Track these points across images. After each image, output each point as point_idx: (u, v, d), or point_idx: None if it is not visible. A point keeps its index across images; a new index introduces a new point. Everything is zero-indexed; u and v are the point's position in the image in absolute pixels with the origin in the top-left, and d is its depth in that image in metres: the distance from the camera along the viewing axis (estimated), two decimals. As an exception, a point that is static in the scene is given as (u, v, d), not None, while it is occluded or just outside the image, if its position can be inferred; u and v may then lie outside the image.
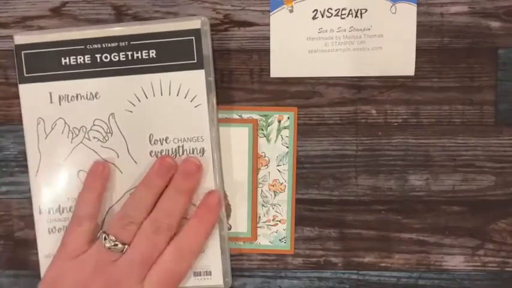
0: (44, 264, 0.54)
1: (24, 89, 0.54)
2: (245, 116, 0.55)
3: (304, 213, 0.56)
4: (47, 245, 0.54)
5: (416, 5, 0.54)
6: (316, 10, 0.54)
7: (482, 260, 0.56)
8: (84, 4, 0.55)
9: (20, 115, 0.54)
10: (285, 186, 0.56)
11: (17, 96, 0.54)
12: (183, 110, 0.53)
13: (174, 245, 0.51)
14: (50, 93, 0.53)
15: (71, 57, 0.53)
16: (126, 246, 0.50)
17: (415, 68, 0.54)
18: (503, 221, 0.55)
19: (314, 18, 0.54)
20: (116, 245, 0.49)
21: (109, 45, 0.53)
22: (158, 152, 0.53)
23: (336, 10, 0.54)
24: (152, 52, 0.53)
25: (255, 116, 0.55)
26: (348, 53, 0.54)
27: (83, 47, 0.53)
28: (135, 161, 0.53)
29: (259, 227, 0.56)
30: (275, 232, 0.56)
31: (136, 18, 0.55)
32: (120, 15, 0.55)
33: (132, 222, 0.50)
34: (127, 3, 0.55)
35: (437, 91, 0.55)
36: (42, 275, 0.54)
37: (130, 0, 0.55)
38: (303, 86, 0.55)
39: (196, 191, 0.53)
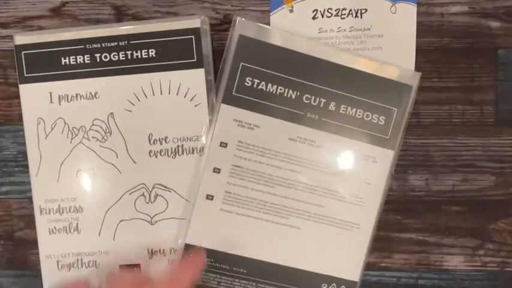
0: (44, 264, 0.54)
1: (24, 89, 0.54)
2: (245, 116, 0.56)
3: (304, 213, 0.56)
4: (47, 246, 0.54)
5: (416, 5, 0.54)
6: (316, 10, 0.54)
7: (482, 260, 0.56)
8: (84, 4, 0.55)
9: (20, 115, 0.54)
10: (285, 186, 0.56)
11: (17, 96, 0.54)
12: (182, 109, 0.53)
13: None
14: (50, 93, 0.53)
15: (71, 57, 0.53)
16: None
17: (415, 68, 0.54)
18: (503, 221, 0.55)
19: (314, 18, 0.54)
20: None
21: (108, 44, 0.53)
22: (157, 151, 0.53)
23: (336, 10, 0.54)
24: (152, 51, 0.53)
25: (255, 116, 0.55)
26: (347, 48, 0.54)
27: (82, 46, 0.53)
28: (134, 161, 0.53)
29: (260, 227, 0.56)
30: (275, 232, 0.56)
31: (136, 18, 0.55)
32: (120, 15, 0.55)
33: None
34: (127, 3, 0.55)
35: (437, 91, 0.55)
36: (43, 275, 0.54)
37: (130, 0, 0.55)
38: (303, 86, 0.55)
39: None
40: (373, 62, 0.53)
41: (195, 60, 0.53)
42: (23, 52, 0.53)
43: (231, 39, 0.53)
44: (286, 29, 0.54)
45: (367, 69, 0.53)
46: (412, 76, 0.53)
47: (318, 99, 0.52)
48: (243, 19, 0.53)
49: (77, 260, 0.54)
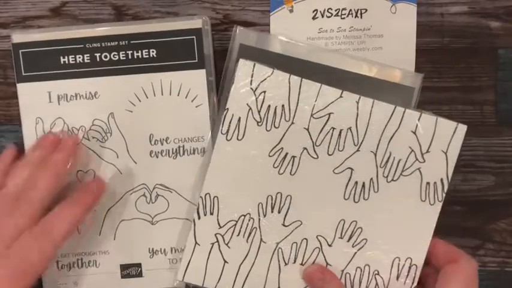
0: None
1: (22, 88, 0.54)
2: (245, 116, 0.55)
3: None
4: (46, 246, 0.54)
5: (416, 5, 0.54)
6: (316, 10, 0.54)
7: (482, 260, 0.56)
8: (84, 4, 0.55)
9: (20, 115, 0.54)
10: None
11: (16, 96, 0.54)
12: (183, 110, 0.53)
13: (40, 222, 0.47)
14: (49, 93, 0.53)
15: (70, 56, 0.53)
16: None
17: (415, 68, 0.54)
18: (503, 221, 0.55)
19: (314, 18, 0.54)
20: None
21: (109, 44, 0.53)
22: (158, 152, 0.53)
23: (336, 10, 0.54)
24: (152, 51, 0.53)
25: (255, 116, 0.55)
26: (348, 53, 0.54)
27: (82, 46, 0.53)
28: (134, 161, 0.53)
29: (259, 227, 0.56)
30: (275, 232, 0.56)
31: (137, 18, 0.54)
32: (120, 15, 0.55)
33: None
34: (127, 3, 0.54)
35: (437, 91, 0.55)
36: (43, 275, 0.54)
37: (130, 0, 0.54)
38: (303, 86, 0.55)
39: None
40: (375, 66, 0.53)
41: (196, 60, 0.52)
42: (20, 51, 0.53)
43: (231, 49, 0.53)
44: (286, 29, 0.54)
45: (369, 73, 0.53)
46: (414, 78, 0.53)
47: None
48: (243, 28, 0.53)
49: (77, 260, 0.54)
